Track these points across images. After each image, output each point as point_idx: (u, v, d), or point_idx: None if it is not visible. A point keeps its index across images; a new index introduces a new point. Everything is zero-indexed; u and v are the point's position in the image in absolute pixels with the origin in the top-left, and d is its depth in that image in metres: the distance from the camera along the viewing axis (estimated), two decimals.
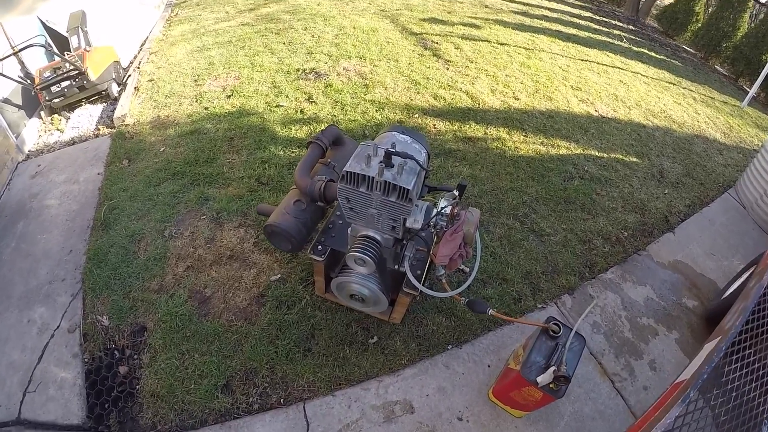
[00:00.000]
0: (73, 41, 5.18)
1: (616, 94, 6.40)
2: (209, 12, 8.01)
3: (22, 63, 4.74)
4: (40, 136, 4.87)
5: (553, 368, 2.07)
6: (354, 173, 1.91)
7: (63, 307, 3.01)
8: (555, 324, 2.28)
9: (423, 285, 2.26)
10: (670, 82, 7.55)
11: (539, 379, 2.10)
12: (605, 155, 4.99)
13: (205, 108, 5.00)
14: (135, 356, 2.78)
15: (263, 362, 2.71)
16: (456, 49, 6.75)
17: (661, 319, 3.41)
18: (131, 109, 5.02)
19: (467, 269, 2.32)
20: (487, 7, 8.99)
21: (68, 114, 5.18)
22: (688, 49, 10.32)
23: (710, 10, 10.10)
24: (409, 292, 2.33)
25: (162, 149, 4.37)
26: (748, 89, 8.45)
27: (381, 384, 2.69)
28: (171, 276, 3.17)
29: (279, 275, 3.14)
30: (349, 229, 2.28)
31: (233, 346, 2.79)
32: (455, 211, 2.01)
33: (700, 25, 9.96)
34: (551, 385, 2.09)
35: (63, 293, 3.09)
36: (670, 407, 1.96)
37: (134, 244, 3.39)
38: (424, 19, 7.81)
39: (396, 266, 2.33)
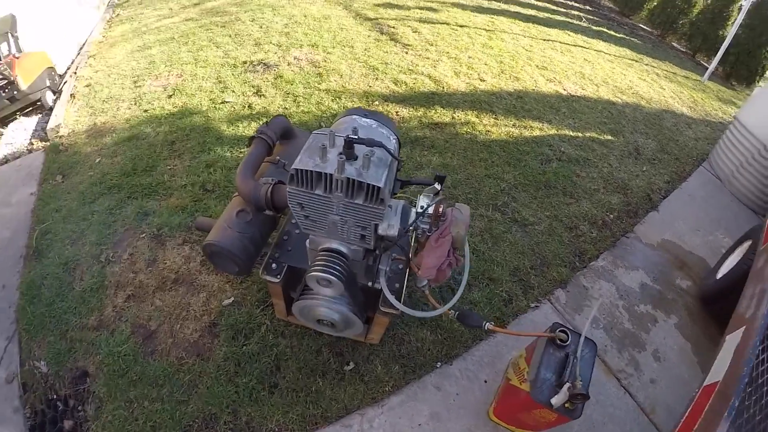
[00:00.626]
0: (2, 48, 4.59)
1: (582, 73, 6.17)
2: (152, 10, 7.33)
3: None
4: None
5: (567, 385, 1.68)
6: (306, 171, 1.43)
7: None
8: (562, 331, 1.89)
9: (402, 301, 1.82)
10: (633, 60, 7.42)
11: (554, 400, 1.71)
12: (580, 134, 4.68)
13: (145, 111, 4.39)
14: (79, 407, 2.26)
15: (223, 405, 2.21)
16: (414, 32, 6.32)
17: (658, 303, 3.15)
18: (66, 119, 4.39)
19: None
20: None
21: (1, 129, 4.55)
22: (645, 27, 10.27)
23: None
24: (388, 312, 1.87)
25: (98, 160, 3.77)
26: (705, 64, 8.52)
27: (364, 418, 2.22)
28: (110, 308, 2.63)
29: (232, 299, 2.62)
30: (307, 241, 1.80)
31: (187, 388, 2.27)
32: (440, 209, 1.57)
33: (656, 3, 9.90)
34: (567, 405, 1.71)
35: None
36: (714, 424, 1.59)
37: (69, 273, 2.83)
38: (378, 5, 7.35)
39: (369, 282, 1.86)
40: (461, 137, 4.21)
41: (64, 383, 2.35)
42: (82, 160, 3.79)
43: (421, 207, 1.62)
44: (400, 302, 1.79)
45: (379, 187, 1.40)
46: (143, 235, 3.01)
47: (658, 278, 3.32)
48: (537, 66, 5.96)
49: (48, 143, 4.15)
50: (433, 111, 4.50)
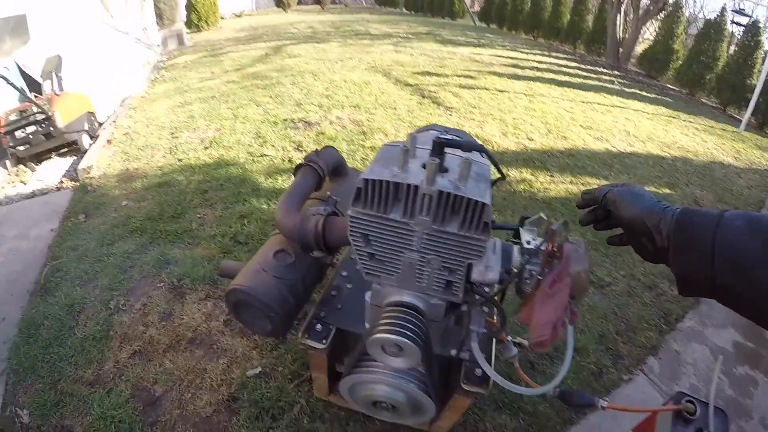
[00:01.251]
0: (46, 86, 4.62)
1: (627, 130, 5.90)
2: (195, 72, 7.50)
3: None
4: (2, 187, 4.13)
5: None
6: (380, 183, 0.98)
7: None
8: (689, 401, 1.30)
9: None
10: (670, 116, 7.22)
11: None
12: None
13: (179, 160, 4.16)
14: None
15: None
16: (455, 97, 6.19)
17: (755, 363, 2.60)
18: (99, 161, 4.22)
19: (525, 341, 1.39)
20: (477, 62, 8.64)
21: (35, 166, 4.46)
22: (673, 87, 10.15)
23: (689, 45, 10.08)
24: (474, 391, 1.32)
25: (124, 203, 3.47)
26: (737, 116, 8.33)
27: None
28: (112, 363, 2.14)
29: (259, 368, 2.08)
30: (368, 293, 1.30)
31: None
32: (553, 244, 1.07)
33: (681, 62, 9.81)
34: None
35: None
36: None
37: (73, 316, 2.41)
38: (417, 73, 7.36)
39: (453, 351, 1.33)
40: (519, 195, 3.84)
41: None
42: (108, 202, 3.52)
43: (527, 242, 1.13)
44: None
45: (484, 204, 0.93)
46: (161, 284, 2.57)
47: (749, 335, 2.79)
48: (582, 126, 5.70)
49: (78, 183, 3.95)
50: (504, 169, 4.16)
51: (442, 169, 1.02)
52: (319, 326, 1.46)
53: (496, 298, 1.56)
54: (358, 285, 1.62)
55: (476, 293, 1.17)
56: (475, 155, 1.15)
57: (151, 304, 2.45)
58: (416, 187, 0.95)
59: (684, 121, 7.16)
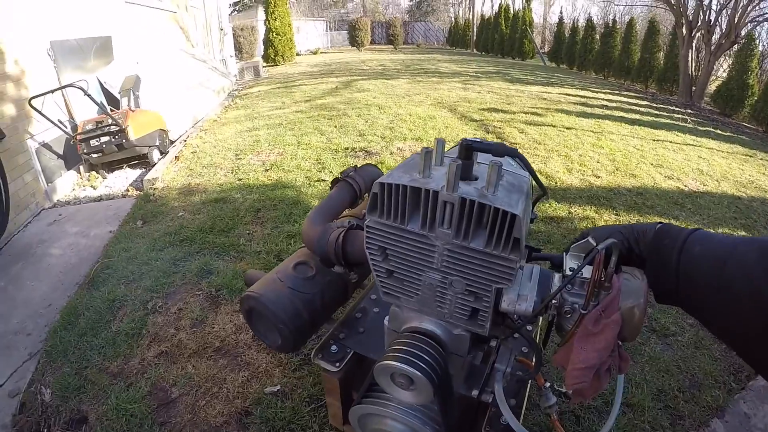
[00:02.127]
0: (123, 102, 5.03)
1: (700, 169, 5.40)
2: (266, 102, 7.90)
3: (69, 110, 4.65)
4: (73, 189, 4.53)
5: None
6: (397, 188, 0.87)
7: (15, 365, 2.23)
8: None
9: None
10: (746, 155, 6.58)
11: None
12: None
13: (239, 179, 4.31)
14: None
15: None
16: (520, 132, 6.02)
17: None
18: (164, 175, 4.48)
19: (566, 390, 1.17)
20: (544, 99, 8.42)
21: (106, 174, 4.85)
22: (749, 125, 9.30)
23: (764, 80, 9.34)
24: None
25: (180, 214, 3.62)
26: None
27: None
28: (138, 360, 2.18)
29: (278, 387, 1.99)
30: (386, 318, 1.17)
31: None
32: (600, 271, 0.88)
33: (756, 98, 8.99)
34: None
35: (22, 349, 2.34)
36: None
37: (112, 311, 2.51)
38: (483, 109, 7.29)
39: (474, 392, 1.16)
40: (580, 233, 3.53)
41: (59, 421, 1.89)
42: (166, 212, 3.69)
43: (571, 269, 0.94)
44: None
45: (514, 216, 0.78)
46: (199, 292, 2.59)
47: None
48: (652, 164, 5.29)
49: (141, 192, 4.21)
50: (548, 205, 3.92)
51: (470, 177, 0.89)
52: (334, 347, 1.34)
53: (535, 336, 1.37)
54: (387, 310, 1.51)
55: (506, 326, 1.01)
56: (515, 169, 1.02)
57: (186, 309, 2.47)
58: (436, 194, 0.83)
59: (761, 159, 6.56)
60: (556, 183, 4.45)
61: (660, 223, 0.83)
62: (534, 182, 1.02)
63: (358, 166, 1.59)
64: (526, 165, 0.95)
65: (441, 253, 0.90)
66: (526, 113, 7.13)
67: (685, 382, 2.29)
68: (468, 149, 0.87)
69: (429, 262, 0.92)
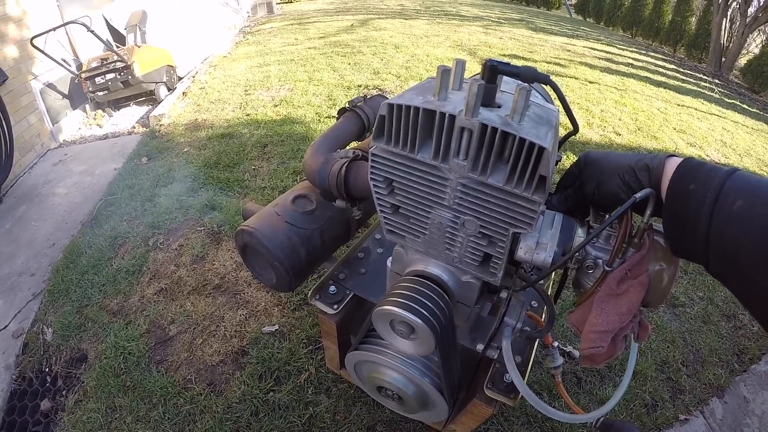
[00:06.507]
0: (129, 38, 4.76)
1: (723, 141, 5.11)
2: (279, 38, 7.53)
3: (73, 49, 4.45)
4: (79, 128, 4.37)
5: None
6: (408, 110, 0.73)
7: (19, 306, 2.22)
8: None
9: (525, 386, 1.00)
10: None
11: None
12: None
13: (247, 114, 4.14)
14: (64, 391, 1.79)
15: None
16: None
17: None
18: (171, 111, 4.31)
19: (576, 351, 1.08)
20: (568, 51, 7.92)
21: (112, 111, 4.67)
22: None
23: None
24: (497, 399, 1.06)
25: (186, 150, 3.49)
26: None
27: None
28: (137, 297, 2.15)
29: (276, 327, 1.94)
30: (389, 259, 1.06)
31: (181, 420, 1.63)
32: (630, 225, 0.75)
33: None
34: None
35: (26, 289, 2.32)
36: None
37: (113, 248, 2.46)
38: (504, 55, 6.89)
39: (478, 345, 1.07)
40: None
41: (61, 360, 1.89)
42: (171, 148, 3.56)
43: (602, 222, 0.82)
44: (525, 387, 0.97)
45: (543, 149, 0.64)
46: (201, 228, 2.52)
47: None
48: (674, 129, 5.00)
49: (147, 129, 4.06)
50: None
51: (492, 104, 0.74)
52: (333, 288, 1.26)
53: (546, 288, 1.28)
54: (392, 250, 1.41)
55: (519, 277, 0.90)
56: (542, 101, 0.87)
57: (187, 245, 2.41)
58: (452, 118, 0.70)
59: None
60: (575, 136, 4.21)
61: (683, 156, 0.63)
62: (566, 116, 0.87)
63: (368, 96, 1.44)
64: (558, 94, 0.80)
65: (454, 189, 0.77)
66: (548, 63, 6.73)
67: (689, 356, 2.22)
68: (493, 71, 0.72)
69: (440, 198, 0.80)
